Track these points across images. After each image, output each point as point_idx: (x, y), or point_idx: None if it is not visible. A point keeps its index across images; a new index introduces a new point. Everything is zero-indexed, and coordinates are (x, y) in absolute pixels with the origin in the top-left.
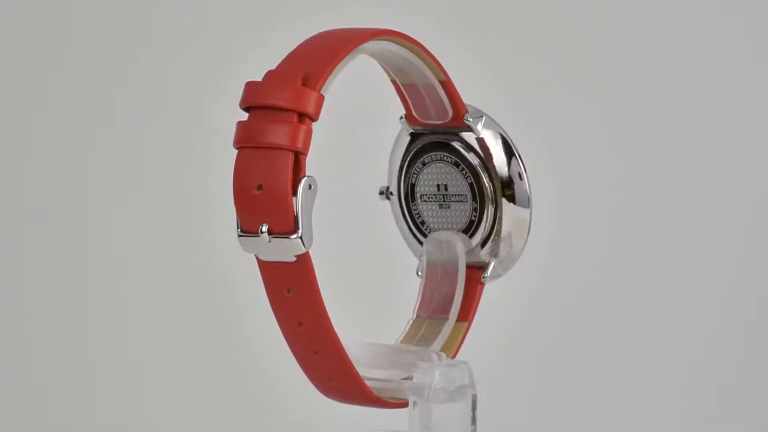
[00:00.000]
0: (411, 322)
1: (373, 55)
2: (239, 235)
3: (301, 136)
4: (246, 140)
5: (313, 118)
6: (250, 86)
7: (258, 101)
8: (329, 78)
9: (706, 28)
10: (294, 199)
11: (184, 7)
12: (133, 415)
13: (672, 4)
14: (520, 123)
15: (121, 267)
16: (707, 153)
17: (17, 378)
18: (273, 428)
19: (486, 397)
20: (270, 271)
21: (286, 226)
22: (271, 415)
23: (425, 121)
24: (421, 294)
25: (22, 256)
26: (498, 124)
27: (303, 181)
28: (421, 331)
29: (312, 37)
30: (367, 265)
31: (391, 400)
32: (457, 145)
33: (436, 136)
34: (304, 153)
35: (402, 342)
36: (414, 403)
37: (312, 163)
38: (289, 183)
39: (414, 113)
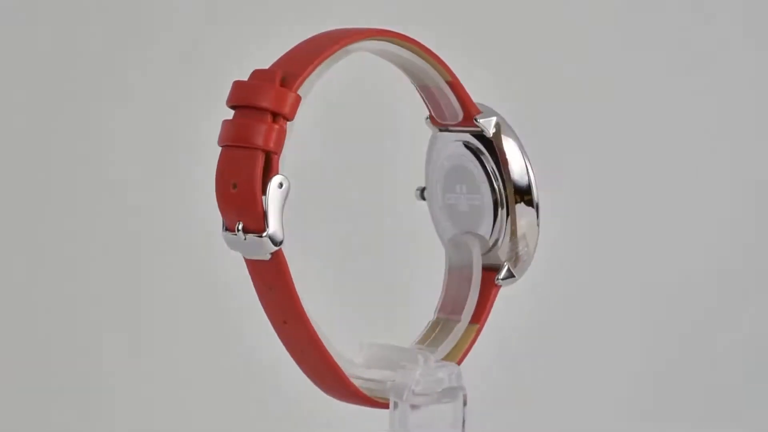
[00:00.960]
0: (430, 323)
1: (377, 55)
2: (223, 233)
3: (273, 136)
4: (226, 139)
5: (288, 118)
6: (236, 85)
7: (239, 100)
8: (308, 79)
9: (707, 28)
10: (264, 197)
11: (188, 5)
12: (130, 414)
13: (674, 5)
14: (521, 123)
15: (120, 266)
16: (707, 154)
17: (13, 378)
18: (273, 428)
19: (487, 399)
20: (253, 269)
21: (256, 224)
22: (271, 415)
23: (442, 122)
24: (442, 295)
25: (14, 255)
26: (510, 126)
27: (273, 180)
28: (435, 332)
29: (309, 37)
30: (397, 264)
31: (382, 401)
32: (472, 146)
33: (455, 136)
34: (276, 152)
35: (418, 342)
36: (395, 403)
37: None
38: (259, 182)
39: (433, 114)
